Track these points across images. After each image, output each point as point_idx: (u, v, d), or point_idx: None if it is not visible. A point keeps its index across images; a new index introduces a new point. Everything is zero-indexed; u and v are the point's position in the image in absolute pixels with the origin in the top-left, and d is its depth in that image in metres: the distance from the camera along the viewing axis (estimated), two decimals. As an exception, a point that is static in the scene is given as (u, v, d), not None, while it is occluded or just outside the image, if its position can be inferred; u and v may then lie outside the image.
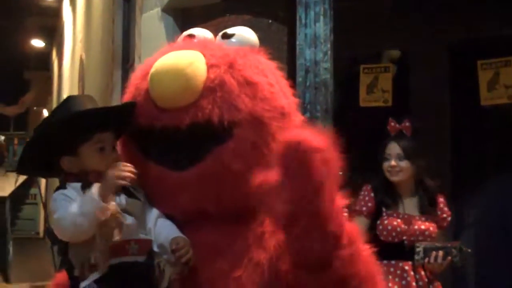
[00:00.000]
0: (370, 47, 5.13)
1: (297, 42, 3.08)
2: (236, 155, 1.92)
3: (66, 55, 16.88)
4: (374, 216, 3.32)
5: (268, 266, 1.89)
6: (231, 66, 1.99)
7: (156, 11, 5.51)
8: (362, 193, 3.38)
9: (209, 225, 1.95)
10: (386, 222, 3.25)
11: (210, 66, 1.96)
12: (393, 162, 3.32)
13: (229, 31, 2.17)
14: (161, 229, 1.94)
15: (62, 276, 2.01)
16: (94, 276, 1.80)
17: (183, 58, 1.95)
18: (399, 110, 4.38)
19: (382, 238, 3.23)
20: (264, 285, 1.87)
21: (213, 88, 1.93)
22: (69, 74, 15.36)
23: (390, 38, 5.07)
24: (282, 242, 1.89)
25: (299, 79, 3.04)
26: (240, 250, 1.92)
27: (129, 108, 2.01)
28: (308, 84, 3.01)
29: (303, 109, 2.99)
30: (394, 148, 3.35)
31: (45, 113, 23.24)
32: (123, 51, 6.92)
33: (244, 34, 2.17)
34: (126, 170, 1.81)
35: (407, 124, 3.40)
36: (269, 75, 2.06)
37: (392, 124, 3.42)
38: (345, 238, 1.81)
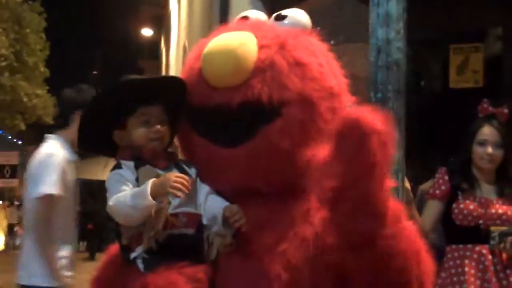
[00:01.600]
0: (459, 26, 4.96)
1: (370, 21, 3.03)
2: (284, 133, 1.96)
3: (172, 43, 17.34)
4: (449, 200, 3.22)
5: (313, 241, 1.92)
6: (282, 47, 2.03)
7: (247, -5, 5.58)
8: (437, 175, 3.29)
9: (256, 201, 2.00)
10: (462, 206, 3.16)
11: (261, 47, 2.01)
12: (490, 150, 3.18)
13: (282, 12, 2.21)
14: (212, 203, 2.00)
15: (115, 247, 2.12)
16: (141, 248, 1.90)
17: (234, 39, 2.01)
18: (491, 91, 4.23)
19: (457, 222, 3.15)
20: (309, 260, 1.91)
21: (263, 68, 1.98)
22: (175, 62, 15.79)
23: (481, 16, 4.88)
24: (326, 218, 1.92)
25: (371, 58, 3.00)
26: (286, 225, 1.96)
27: (177, 84, 2.08)
28: (380, 63, 2.96)
29: (375, 89, 2.96)
30: (492, 135, 3.19)
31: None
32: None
33: (297, 16, 2.21)
34: (183, 182, 1.86)
35: (505, 110, 3.24)
36: (320, 56, 2.09)
37: (485, 106, 3.26)
38: (390, 217, 1.82)
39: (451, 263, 3.14)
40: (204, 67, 2.01)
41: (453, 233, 3.22)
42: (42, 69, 17.45)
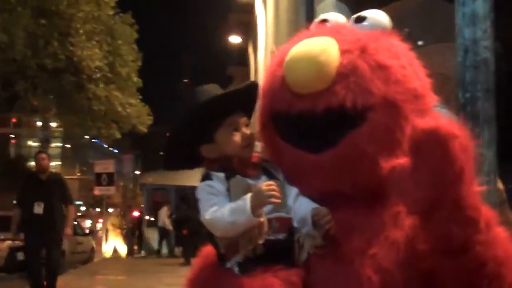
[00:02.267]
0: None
1: (456, 21, 2.99)
2: (370, 138, 1.96)
3: (260, 49, 17.49)
4: None
5: (404, 245, 1.92)
6: (363, 50, 2.03)
7: (331, 0, 5.59)
8: None
9: (344, 205, 2.01)
10: None
11: (342, 52, 2.01)
12: None
13: (362, 14, 2.20)
14: (301, 205, 2.02)
15: (209, 250, 2.15)
16: (238, 257, 1.95)
17: (316, 45, 2.02)
18: None
19: None
20: (400, 263, 1.90)
21: (346, 74, 1.98)
22: (263, 68, 15.91)
23: None
24: (417, 223, 1.90)
25: (458, 58, 2.95)
26: (376, 228, 1.96)
27: (252, 89, 2.14)
28: (467, 63, 2.91)
29: (463, 89, 2.91)
30: None
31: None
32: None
33: (376, 17, 2.19)
34: (275, 189, 1.90)
35: None
36: (402, 58, 2.08)
37: None
38: (483, 222, 1.80)
39: None
40: (287, 74, 2.03)
41: None
42: (135, 79, 17.98)
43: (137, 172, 46.52)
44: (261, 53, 16.93)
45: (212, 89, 2.11)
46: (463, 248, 1.77)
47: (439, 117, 1.77)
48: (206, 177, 2.03)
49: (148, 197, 27.07)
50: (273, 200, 1.88)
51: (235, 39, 24.81)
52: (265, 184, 1.90)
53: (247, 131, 2.07)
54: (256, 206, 1.88)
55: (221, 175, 2.01)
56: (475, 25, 2.93)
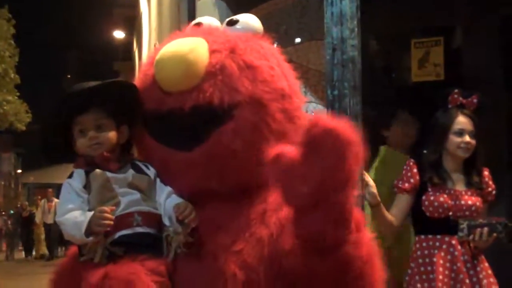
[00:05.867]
0: (420, 21, 5.05)
1: (324, 21, 3.11)
2: (236, 135, 2.01)
3: (144, 45, 17.30)
4: (418, 192, 3.26)
5: (269, 242, 1.96)
6: (232, 51, 2.08)
7: (211, -3, 5.62)
8: (405, 168, 3.31)
9: (213, 203, 2.04)
10: (432, 198, 3.19)
11: (212, 52, 2.06)
12: (468, 139, 3.20)
13: (234, 18, 2.27)
14: (170, 202, 2.04)
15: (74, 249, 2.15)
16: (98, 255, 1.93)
17: (185, 45, 2.06)
18: (452, 84, 4.31)
19: (427, 213, 3.19)
20: (264, 260, 1.95)
21: (214, 72, 2.03)
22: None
23: (440, 10, 4.97)
24: (285, 220, 1.96)
25: (327, 57, 3.08)
26: (242, 225, 2.01)
27: (118, 86, 2.14)
28: (335, 61, 3.03)
29: (331, 87, 3.04)
30: (467, 124, 3.22)
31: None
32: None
33: (248, 20, 2.26)
34: (105, 217, 1.90)
35: (475, 100, 3.27)
36: (270, 59, 2.14)
37: (456, 96, 3.28)
38: (353, 224, 1.86)
39: (419, 253, 3.18)
40: (156, 72, 2.05)
41: (422, 224, 3.26)
42: (12, 75, 17.38)
43: (19, 171, 44.83)
44: (145, 48, 16.75)
45: (85, 85, 2.08)
46: (334, 247, 1.83)
47: (335, 119, 1.76)
48: (69, 175, 2.04)
49: (31, 196, 26.15)
50: (98, 229, 1.89)
51: (119, 34, 24.39)
52: (98, 210, 1.91)
53: (91, 132, 2.05)
54: (89, 229, 1.90)
55: (81, 171, 2.02)
56: (342, 24, 3.06)
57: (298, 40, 4.90)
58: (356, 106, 2.99)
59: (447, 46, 4.87)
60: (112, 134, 2.08)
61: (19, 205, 23.09)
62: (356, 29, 3.05)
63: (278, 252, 1.94)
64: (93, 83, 2.08)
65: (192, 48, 2.03)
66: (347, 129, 1.74)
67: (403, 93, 5.12)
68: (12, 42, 17.45)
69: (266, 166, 1.89)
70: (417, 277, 3.16)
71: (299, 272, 1.90)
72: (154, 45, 12.26)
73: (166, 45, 2.10)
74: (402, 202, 3.29)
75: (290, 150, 1.79)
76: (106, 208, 1.91)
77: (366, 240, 1.94)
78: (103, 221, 1.89)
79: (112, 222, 1.90)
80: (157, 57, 2.07)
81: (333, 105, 3.01)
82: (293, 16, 5.05)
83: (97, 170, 2.01)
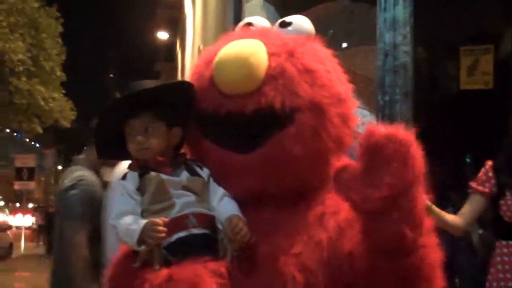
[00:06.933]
0: (470, 28, 5.02)
1: (377, 26, 3.13)
2: (297, 139, 2.02)
3: (188, 47, 17.46)
4: (494, 196, 3.24)
5: (328, 245, 1.97)
6: (291, 54, 2.09)
7: (258, 0, 5.66)
8: (483, 169, 3.30)
9: (270, 205, 2.06)
10: (510, 203, 3.18)
11: (271, 55, 2.06)
12: None
13: (287, 19, 2.26)
14: (225, 207, 2.04)
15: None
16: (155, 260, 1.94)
17: (246, 47, 2.06)
18: (501, 93, 4.29)
19: (506, 219, 3.17)
20: (323, 264, 1.95)
21: (274, 76, 2.04)
22: (190, 65, 15.88)
23: (492, 18, 4.93)
24: (344, 223, 1.98)
25: (378, 62, 3.10)
26: (300, 228, 2.01)
27: (165, 90, 2.11)
28: (387, 67, 3.06)
29: (383, 92, 3.06)
30: None
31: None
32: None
33: (301, 23, 2.25)
34: (158, 229, 1.90)
35: None
36: (326, 63, 2.15)
37: None
38: (425, 228, 1.88)
39: (498, 258, 3.19)
40: (216, 74, 2.05)
41: (502, 229, 3.25)
42: (58, 73, 17.70)
43: (60, 167, 45.45)
44: (189, 50, 16.90)
45: (141, 85, 2.10)
46: (410, 249, 1.83)
47: (394, 125, 1.85)
48: (123, 176, 2.05)
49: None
50: (150, 241, 1.89)
51: (163, 35, 24.63)
52: (150, 223, 1.91)
53: (138, 136, 2.05)
54: (141, 239, 1.90)
55: (135, 173, 2.03)
56: (395, 30, 3.08)
57: (345, 45, 4.93)
58: (407, 112, 3.01)
59: (497, 55, 4.84)
60: (160, 139, 2.08)
61: None
62: (408, 35, 3.07)
63: (337, 256, 1.94)
64: (148, 84, 2.09)
65: (254, 51, 2.04)
66: (405, 133, 1.80)
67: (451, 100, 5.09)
68: (60, 40, 17.75)
69: (333, 177, 1.99)
70: (495, 284, 3.16)
71: (358, 276, 1.90)
72: (199, 48, 12.38)
73: (225, 47, 2.09)
74: (477, 203, 3.28)
75: (352, 162, 1.87)
76: (158, 221, 1.91)
77: (434, 244, 1.93)
78: (155, 233, 1.89)
79: (164, 235, 1.91)
80: (217, 59, 2.06)
81: (384, 110, 3.04)
82: (340, 21, 5.08)
83: (152, 173, 2.01)
